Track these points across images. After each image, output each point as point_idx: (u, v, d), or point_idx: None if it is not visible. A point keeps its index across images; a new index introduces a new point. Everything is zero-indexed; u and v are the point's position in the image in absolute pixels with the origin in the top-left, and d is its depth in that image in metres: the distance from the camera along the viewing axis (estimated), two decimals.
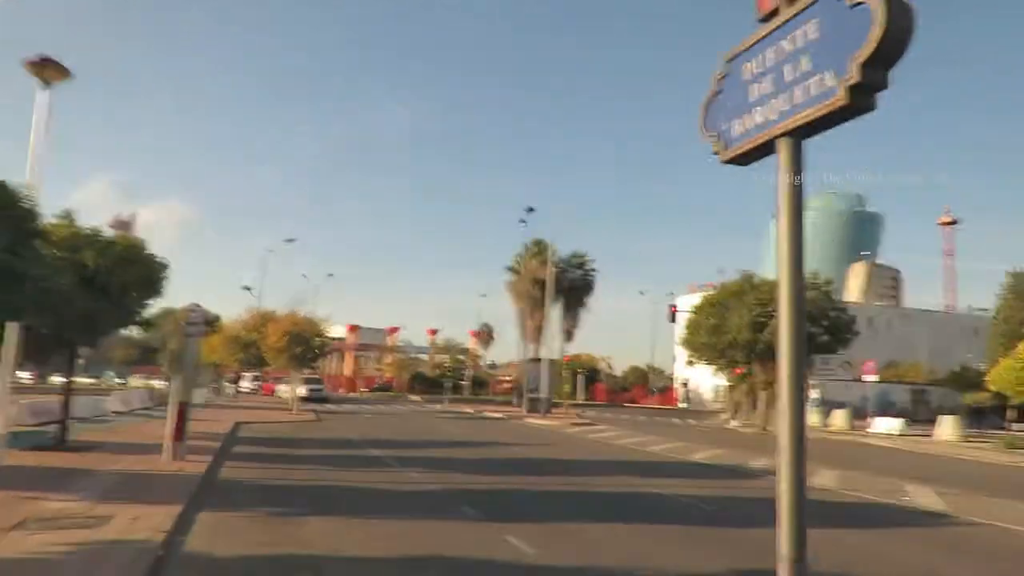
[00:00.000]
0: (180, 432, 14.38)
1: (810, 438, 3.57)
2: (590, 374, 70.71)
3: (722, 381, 51.15)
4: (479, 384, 71.94)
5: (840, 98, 2.66)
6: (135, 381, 60.46)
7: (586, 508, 11.57)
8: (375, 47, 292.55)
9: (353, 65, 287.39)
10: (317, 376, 51.74)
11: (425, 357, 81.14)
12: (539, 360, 46.38)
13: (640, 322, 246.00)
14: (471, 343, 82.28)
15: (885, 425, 36.16)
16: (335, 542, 8.38)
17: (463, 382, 64.81)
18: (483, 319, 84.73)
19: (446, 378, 63.47)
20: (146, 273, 15.93)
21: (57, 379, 35.60)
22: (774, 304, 30.55)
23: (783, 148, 3.00)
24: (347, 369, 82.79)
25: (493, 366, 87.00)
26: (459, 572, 7.57)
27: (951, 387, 53.19)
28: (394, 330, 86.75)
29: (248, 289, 60.11)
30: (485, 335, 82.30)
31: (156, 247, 19.39)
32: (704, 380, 65.56)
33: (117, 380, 64.92)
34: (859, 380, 46.14)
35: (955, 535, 10.79)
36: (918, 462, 23.10)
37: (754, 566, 8.06)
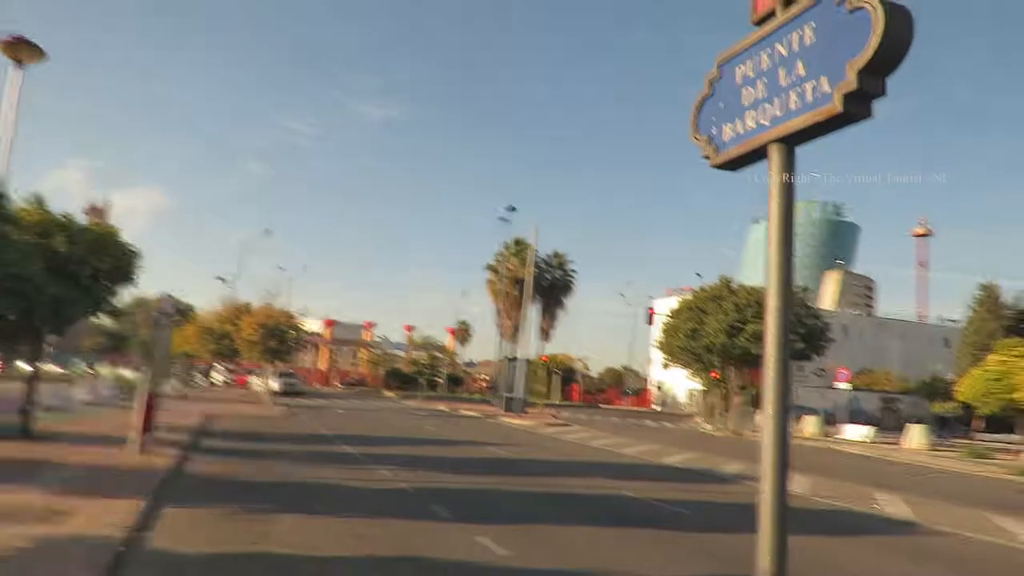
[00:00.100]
0: (148, 424, 14.08)
1: None
2: (566, 374, 70.86)
3: (696, 385, 51.49)
4: (455, 382, 71.69)
5: (836, 105, 2.60)
6: (105, 370, 59.38)
7: (559, 510, 11.50)
8: (356, 39, 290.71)
9: (335, 57, 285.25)
10: (291, 370, 51.22)
11: (402, 353, 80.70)
12: (516, 359, 46.33)
13: (618, 324, 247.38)
14: (448, 340, 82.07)
15: (856, 432, 36.60)
16: (303, 540, 8.22)
17: (439, 379, 64.55)
18: (462, 317, 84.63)
19: (422, 375, 63.21)
20: (118, 261, 15.61)
21: (24, 367, 34.78)
22: (751, 310, 30.80)
23: (775, 154, 2.93)
24: (322, 363, 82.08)
25: (470, 364, 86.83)
26: (429, 573, 7.46)
27: (921, 396, 54.05)
28: (370, 325, 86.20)
29: (222, 280, 59.41)
30: (463, 333, 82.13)
31: (132, 235, 19.02)
32: (679, 383, 65.96)
33: (86, 369, 63.73)
34: (832, 387, 46.75)
35: (922, 544, 10.88)
36: (887, 469, 23.39)
37: (728, 572, 8.05)
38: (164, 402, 17.96)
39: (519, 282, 50.83)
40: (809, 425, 39.79)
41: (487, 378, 70.03)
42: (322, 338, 79.77)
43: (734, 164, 3.25)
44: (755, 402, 46.04)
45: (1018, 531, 12.17)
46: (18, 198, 13.92)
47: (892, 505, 14.40)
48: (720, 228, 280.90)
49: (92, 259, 14.79)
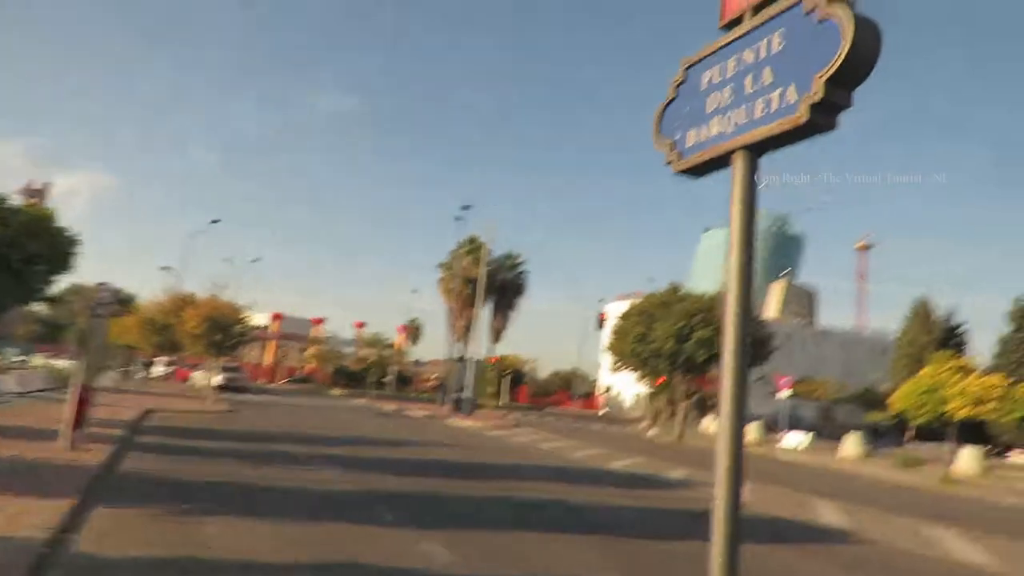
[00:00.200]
0: (80, 417, 13.45)
1: None
2: (515, 375, 70.91)
3: (643, 389, 52.09)
4: (403, 381, 70.95)
5: (802, 115, 2.56)
6: (38, 360, 56.94)
7: (506, 515, 11.41)
8: (314, 33, 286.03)
9: (292, 49, 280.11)
10: (236, 365, 49.94)
11: (351, 350, 79.51)
12: (465, 359, 46.10)
13: (568, 326, 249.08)
14: (398, 339, 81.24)
15: (794, 440, 37.54)
16: (239, 545, 7.93)
17: (387, 378, 63.83)
18: (413, 315, 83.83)
19: (370, 373, 62.41)
20: (54, 246, 14.90)
21: None
22: (699, 316, 31.18)
23: (739, 162, 2.89)
24: (268, 359, 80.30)
25: (419, 363, 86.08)
26: None
27: (857, 405, 55.83)
28: (319, 321, 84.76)
29: (167, 269, 57.61)
30: (413, 331, 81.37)
31: (73, 220, 18.20)
32: (626, 387, 66.67)
33: (18, 358, 61.00)
34: (773, 395, 47.83)
35: (857, 553, 11.13)
36: (822, 477, 24.00)
37: None
38: (100, 395, 17.25)
39: (472, 281, 50.62)
40: (750, 432, 40.65)
41: (436, 377, 69.48)
42: (269, 333, 78.08)
43: (697, 171, 3.20)
44: (700, 408, 46.85)
45: (945, 540, 12.56)
46: None
47: (828, 513, 14.72)
48: (678, 235, 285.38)
49: (24, 243, 14.08)
